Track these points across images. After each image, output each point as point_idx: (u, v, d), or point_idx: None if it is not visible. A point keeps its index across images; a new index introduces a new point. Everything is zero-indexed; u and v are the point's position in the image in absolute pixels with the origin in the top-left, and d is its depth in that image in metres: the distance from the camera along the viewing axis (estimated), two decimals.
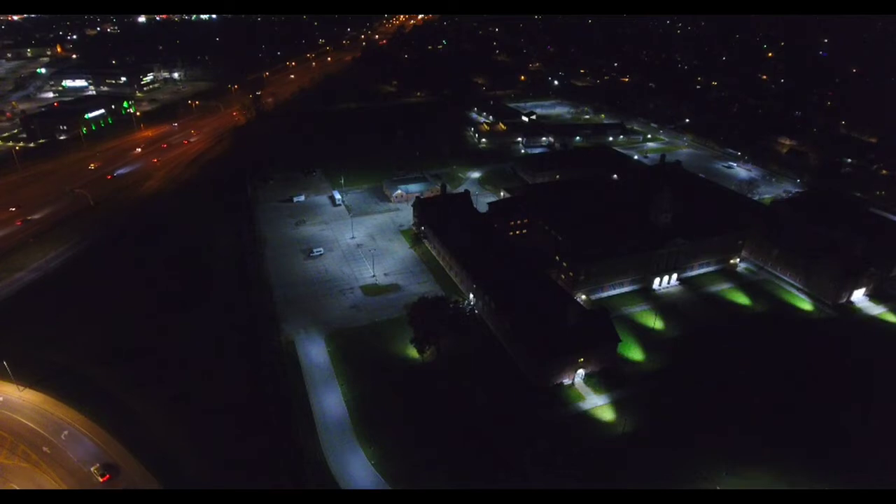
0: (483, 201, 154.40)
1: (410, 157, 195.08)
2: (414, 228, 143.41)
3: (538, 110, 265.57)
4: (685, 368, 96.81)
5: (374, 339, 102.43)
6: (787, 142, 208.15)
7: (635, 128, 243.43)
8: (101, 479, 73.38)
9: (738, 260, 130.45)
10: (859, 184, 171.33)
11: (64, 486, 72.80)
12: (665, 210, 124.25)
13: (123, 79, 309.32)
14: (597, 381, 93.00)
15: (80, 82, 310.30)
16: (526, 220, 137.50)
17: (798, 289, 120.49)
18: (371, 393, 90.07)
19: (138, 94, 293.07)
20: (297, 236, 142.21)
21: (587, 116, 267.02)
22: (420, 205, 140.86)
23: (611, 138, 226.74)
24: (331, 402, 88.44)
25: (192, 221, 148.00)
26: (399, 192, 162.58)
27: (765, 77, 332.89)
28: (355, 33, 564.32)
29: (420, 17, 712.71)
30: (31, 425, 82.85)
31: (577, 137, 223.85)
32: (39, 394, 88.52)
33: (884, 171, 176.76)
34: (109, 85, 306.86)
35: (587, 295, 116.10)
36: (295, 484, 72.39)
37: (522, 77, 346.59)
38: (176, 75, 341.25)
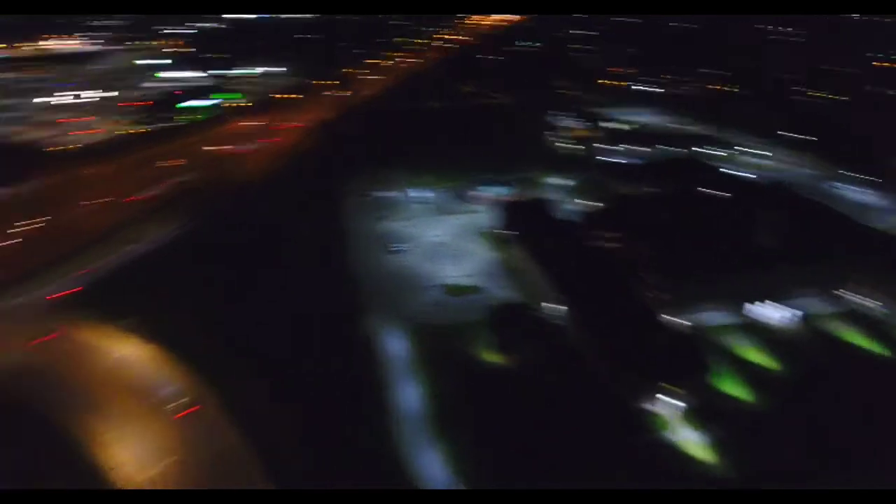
0: (569, 209, 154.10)
1: (495, 158, 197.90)
2: (497, 231, 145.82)
3: (627, 117, 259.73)
4: (791, 412, 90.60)
5: (455, 340, 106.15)
6: None
7: (732, 139, 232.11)
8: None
9: (857, 294, 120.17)
10: None
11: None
12: (769, 232, 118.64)
13: (228, 71, 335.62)
14: (686, 411, 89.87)
15: (191, 73, 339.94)
16: (613, 232, 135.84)
17: None
18: (448, 392, 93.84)
19: (240, 87, 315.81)
20: (379, 231, 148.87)
21: (679, 125, 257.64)
22: (504, 208, 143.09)
23: (706, 149, 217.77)
24: (408, 396, 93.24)
25: (279, 210, 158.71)
26: (483, 193, 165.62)
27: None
28: (441, 32, 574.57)
29: (510, 17, 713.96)
30: (143, 378, 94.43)
31: (669, 147, 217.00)
32: (151, 349, 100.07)
33: None
34: (216, 77, 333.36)
35: (678, 317, 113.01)
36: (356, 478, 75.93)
37: (608, 81, 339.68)
38: (274, 70, 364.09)
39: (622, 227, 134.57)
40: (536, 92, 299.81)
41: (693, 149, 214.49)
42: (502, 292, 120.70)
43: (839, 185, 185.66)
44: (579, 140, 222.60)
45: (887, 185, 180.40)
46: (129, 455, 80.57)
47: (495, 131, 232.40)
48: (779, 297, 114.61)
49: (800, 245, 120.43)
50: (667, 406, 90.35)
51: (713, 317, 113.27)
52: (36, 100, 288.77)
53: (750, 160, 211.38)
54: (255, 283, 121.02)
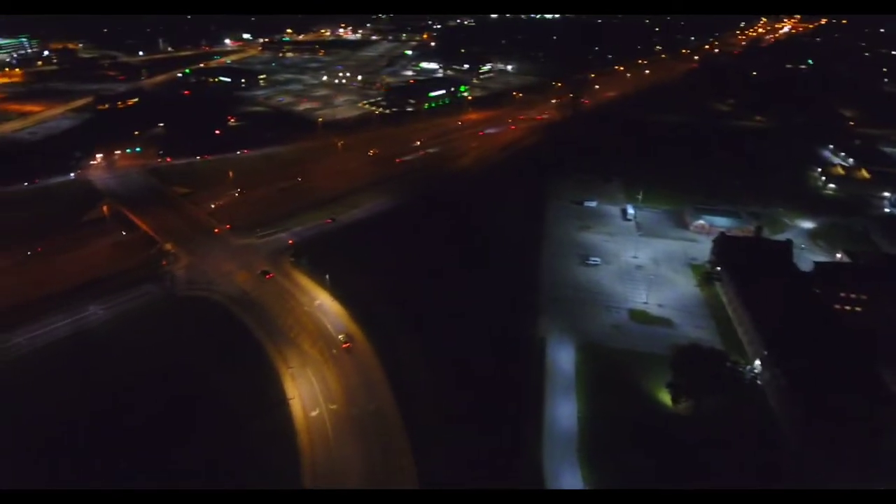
0: (808, 258, 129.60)
1: (728, 185, 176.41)
2: (708, 266, 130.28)
3: None
4: None
5: (627, 368, 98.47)
6: None
7: None
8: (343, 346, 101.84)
9: None
10: None
11: (335, 377, 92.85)
12: None
13: (466, 66, 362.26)
14: None
15: (433, 65, 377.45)
16: (865, 296, 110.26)
17: None
18: (608, 419, 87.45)
19: (474, 81, 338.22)
20: (578, 240, 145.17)
21: None
22: (724, 242, 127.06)
23: None
24: (564, 411, 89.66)
25: (486, 201, 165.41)
26: (702, 222, 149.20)
27: None
28: (699, 42, 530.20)
29: (785, 29, 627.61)
30: (330, 327, 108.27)
31: None
32: (340, 305, 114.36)
33: None
34: (454, 70, 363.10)
35: None
36: (501, 480, 75.36)
37: None
38: (509, 67, 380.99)
39: (871, 290, 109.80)
40: (804, 116, 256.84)
41: None
42: (696, 332, 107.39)
43: None
44: (844, 179, 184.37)
45: None
46: (304, 390, 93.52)
47: (740, 156, 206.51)
48: None
49: None
50: None
51: None
52: (312, 78, 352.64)
53: None
54: (441, 271, 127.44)
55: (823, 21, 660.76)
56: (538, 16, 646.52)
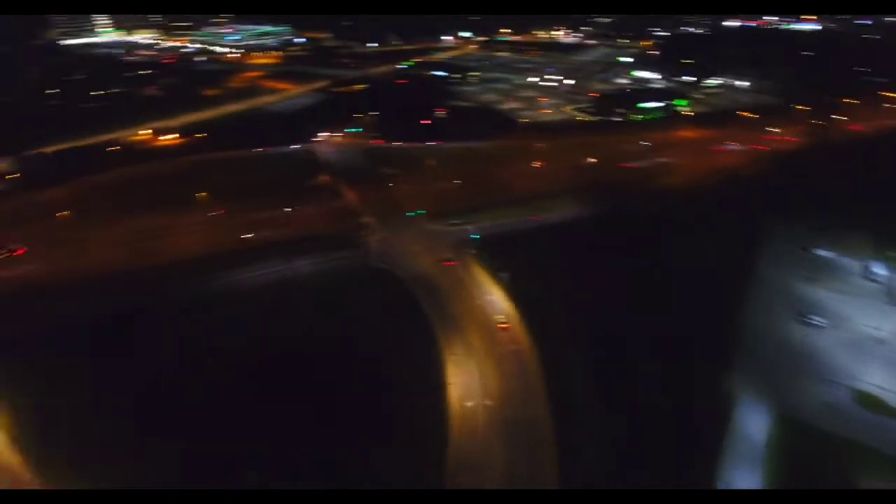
0: None
1: None
2: None
3: None
4: None
5: (839, 460, 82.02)
6: None
7: None
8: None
9: None
10: None
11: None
12: None
13: (689, 78, 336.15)
14: None
15: (650, 74, 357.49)
16: None
17: None
18: None
19: (696, 95, 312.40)
20: (799, 293, 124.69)
21: None
22: None
23: None
24: (742, 481, 78.75)
25: (689, 227, 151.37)
26: None
27: None
28: None
29: None
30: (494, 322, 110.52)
31: None
32: (513, 307, 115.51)
33: None
34: (674, 82, 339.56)
35: None
36: None
37: None
38: (743, 83, 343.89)
39: None
40: None
41: None
42: None
43: None
44: None
45: None
46: (463, 379, 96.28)
47: None
48: None
49: None
50: None
51: None
52: (521, 78, 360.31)
53: None
54: (627, 292, 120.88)
55: None
56: (788, 26, 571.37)
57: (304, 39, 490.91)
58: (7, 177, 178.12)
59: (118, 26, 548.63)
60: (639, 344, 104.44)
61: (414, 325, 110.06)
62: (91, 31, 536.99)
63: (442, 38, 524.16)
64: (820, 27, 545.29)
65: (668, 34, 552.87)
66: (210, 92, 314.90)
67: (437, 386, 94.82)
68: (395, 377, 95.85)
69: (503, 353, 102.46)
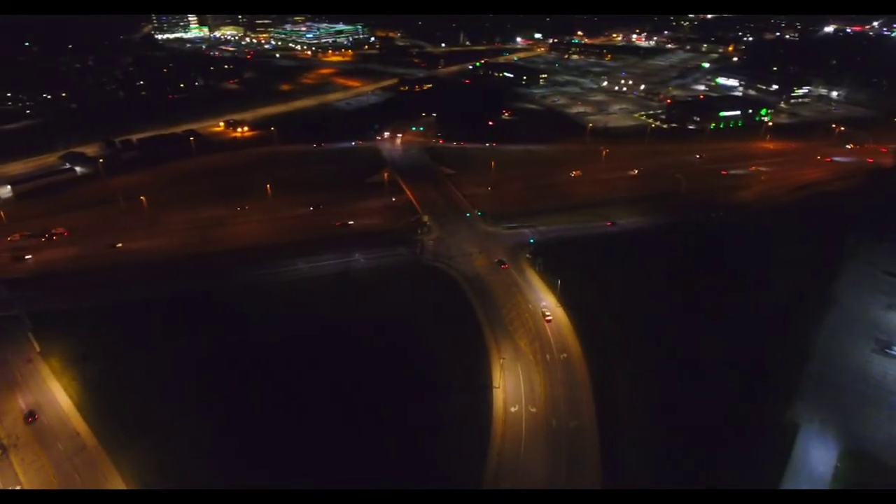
0: None
1: None
2: None
3: None
4: None
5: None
6: None
7: None
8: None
9: None
10: None
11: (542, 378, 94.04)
12: None
13: (775, 87, 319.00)
14: None
15: (732, 82, 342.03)
16: None
17: None
18: None
19: (782, 105, 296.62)
20: (882, 322, 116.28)
21: None
22: None
23: None
24: None
25: (762, 245, 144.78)
26: None
27: None
28: None
29: None
30: (549, 332, 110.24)
31: None
32: (565, 314, 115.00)
33: None
34: (759, 90, 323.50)
35: None
36: None
37: None
38: (834, 94, 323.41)
39: None
40: None
41: None
42: None
43: None
44: None
45: None
46: (510, 384, 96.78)
47: None
48: None
49: None
50: None
51: None
52: (592, 82, 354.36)
53: None
54: (688, 310, 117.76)
55: None
56: (888, 31, 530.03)
57: (373, 38, 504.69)
58: (95, 161, 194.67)
59: (204, 23, 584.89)
60: (702, 364, 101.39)
61: (464, 327, 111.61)
62: (182, 27, 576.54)
63: (513, 39, 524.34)
64: None
65: (755, 39, 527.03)
66: (285, 87, 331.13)
67: (483, 387, 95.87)
68: (442, 377, 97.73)
69: (552, 359, 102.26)
